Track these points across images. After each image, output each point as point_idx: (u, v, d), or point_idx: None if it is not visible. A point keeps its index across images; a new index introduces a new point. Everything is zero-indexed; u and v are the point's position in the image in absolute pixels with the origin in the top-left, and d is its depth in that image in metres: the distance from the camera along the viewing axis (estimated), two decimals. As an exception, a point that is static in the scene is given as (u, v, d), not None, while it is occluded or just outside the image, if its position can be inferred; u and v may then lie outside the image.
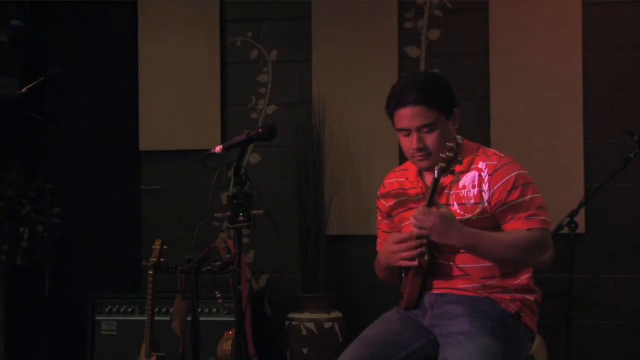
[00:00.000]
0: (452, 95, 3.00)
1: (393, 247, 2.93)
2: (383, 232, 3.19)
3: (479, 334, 2.80)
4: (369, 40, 5.20)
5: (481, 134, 4.97)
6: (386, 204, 3.13)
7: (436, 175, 2.80)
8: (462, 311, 2.88)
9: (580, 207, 4.51)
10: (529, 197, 2.87)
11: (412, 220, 2.85)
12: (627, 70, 4.99)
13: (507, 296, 2.92)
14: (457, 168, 2.90)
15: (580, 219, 4.62)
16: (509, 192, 2.87)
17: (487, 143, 4.89)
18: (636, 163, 4.49)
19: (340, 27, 5.24)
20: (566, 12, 4.99)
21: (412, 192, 3.05)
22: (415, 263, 2.89)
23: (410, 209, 3.00)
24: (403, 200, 3.07)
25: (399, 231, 3.12)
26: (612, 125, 4.97)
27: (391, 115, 2.98)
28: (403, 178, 3.10)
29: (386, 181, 3.17)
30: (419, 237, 2.87)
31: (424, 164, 2.97)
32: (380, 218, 3.20)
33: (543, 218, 2.88)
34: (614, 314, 4.96)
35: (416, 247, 2.88)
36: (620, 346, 4.94)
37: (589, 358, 4.90)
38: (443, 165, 2.78)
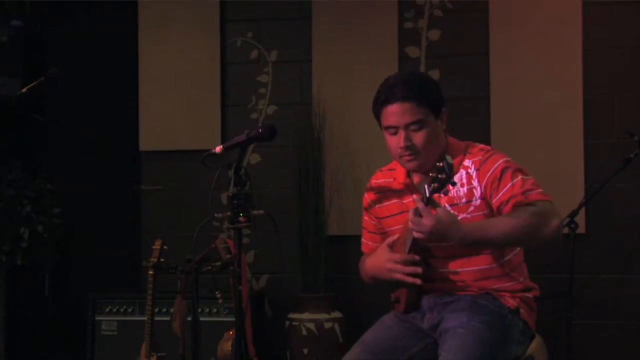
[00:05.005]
0: (440, 94, 2.95)
1: (388, 265, 2.90)
2: (369, 232, 3.17)
3: (476, 326, 2.80)
4: (369, 40, 5.19)
5: (481, 134, 4.96)
6: (368, 198, 3.11)
7: (427, 195, 2.67)
8: (461, 306, 2.89)
9: (580, 207, 4.50)
10: (519, 177, 2.82)
11: (409, 225, 2.76)
12: (627, 70, 4.98)
13: (506, 293, 2.93)
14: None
15: (580, 219, 4.62)
16: (499, 180, 2.82)
17: (487, 143, 4.86)
18: (636, 163, 4.49)
19: (340, 27, 5.24)
20: (566, 12, 4.99)
21: (402, 194, 3.00)
22: (419, 281, 2.86)
23: (394, 202, 2.99)
24: (387, 194, 3.04)
25: (384, 231, 3.09)
26: (612, 125, 4.96)
27: (378, 114, 2.93)
28: (391, 178, 3.06)
29: (373, 180, 3.14)
30: (414, 246, 2.84)
31: (412, 164, 2.91)
32: (366, 217, 3.17)
33: (540, 191, 2.82)
34: (614, 314, 4.96)
35: (412, 264, 2.85)
36: (620, 346, 4.94)
37: (588, 358, 4.90)
38: (435, 185, 2.63)
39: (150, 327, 3.91)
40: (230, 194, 2.79)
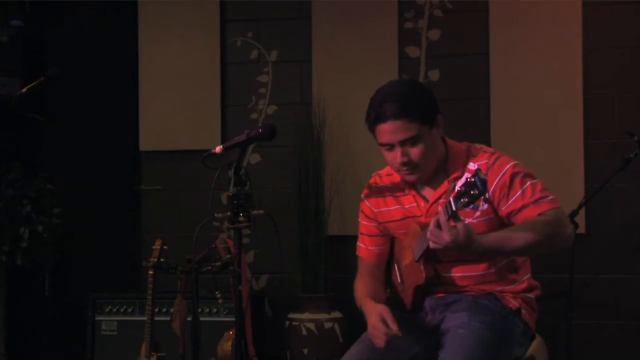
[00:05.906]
0: (433, 103, 2.86)
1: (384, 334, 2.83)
2: (369, 236, 3.11)
3: (476, 326, 2.79)
4: (369, 40, 5.20)
5: (481, 134, 4.97)
6: (365, 197, 3.08)
7: (454, 208, 2.56)
8: (462, 306, 2.89)
9: (580, 207, 4.50)
10: (528, 184, 2.79)
11: (428, 234, 2.68)
12: (627, 70, 4.99)
13: (508, 293, 2.93)
14: (453, 174, 2.84)
15: (580, 219, 4.62)
16: (509, 187, 2.80)
17: (487, 143, 4.88)
18: (636, 163, 4.49)
19: (340, 27, 5.24)
20: (566, 12, 4.99)
21: (403, 199, 2.98)
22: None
23: (395, 207, 2.98)
24: (383, 193, 3.01)
25: (386, 234, 3.08)
26: (612, 125, 4.97)
27: (371, 131, 2.85)
28: (389, 183, 3.02)
29: (371, 181, 3.10)
30: (427, 253, 2.81)
31: (411, 177, 2.88)
32: (365, 222, 3.11)
33: (550, 198, 2.79)
34: (614, 314, 4.96)
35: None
36: (620, 346, 4.94)
37: (589, 358, 4.90)
38: (465, 200, 2.51)
39: (150, 327, 3.91)
40: (230, 194, 2.79)
